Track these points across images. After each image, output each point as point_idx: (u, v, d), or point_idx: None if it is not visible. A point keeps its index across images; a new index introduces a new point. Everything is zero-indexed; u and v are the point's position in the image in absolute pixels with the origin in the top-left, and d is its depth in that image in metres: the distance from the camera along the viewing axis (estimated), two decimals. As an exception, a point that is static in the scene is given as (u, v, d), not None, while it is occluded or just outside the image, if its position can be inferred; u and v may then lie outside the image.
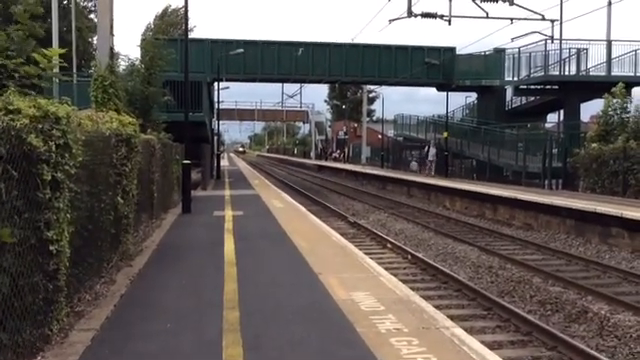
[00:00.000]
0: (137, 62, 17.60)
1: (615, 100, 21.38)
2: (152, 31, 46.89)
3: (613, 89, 21.56)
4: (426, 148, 32.68)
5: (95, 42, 35.97)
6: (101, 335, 5.37)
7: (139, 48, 18.39)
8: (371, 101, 74.86)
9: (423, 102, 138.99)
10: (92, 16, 40.47)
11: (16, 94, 5.01)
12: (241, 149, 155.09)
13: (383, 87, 43.68)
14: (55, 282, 5.06)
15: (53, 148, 4.86)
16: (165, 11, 58.27)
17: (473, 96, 37.51)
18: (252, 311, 6.09)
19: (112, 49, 14.03)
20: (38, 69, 6.01)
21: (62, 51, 6.68)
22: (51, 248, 4.91)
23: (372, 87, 55.64)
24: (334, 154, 67.33)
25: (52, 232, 4.90)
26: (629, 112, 21.21)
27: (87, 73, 25.88)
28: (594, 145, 20.60)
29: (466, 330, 5.94)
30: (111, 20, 13.99)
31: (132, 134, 8.79)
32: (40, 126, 4.75)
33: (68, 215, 5.25)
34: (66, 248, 5.18)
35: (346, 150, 63.06)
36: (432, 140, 32.62)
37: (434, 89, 36.26)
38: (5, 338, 4.22)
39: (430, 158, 31.88)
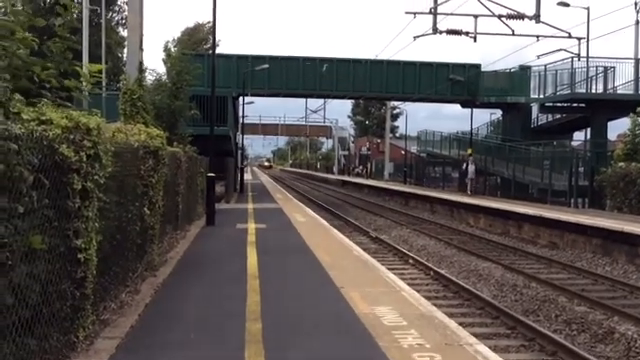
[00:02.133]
0: (164, 76, 17.90)
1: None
2: (176, 45, 47.58)
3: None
4: (464, 165, 30.95)
5: (123, 56, 36.70)
6: (126, 343, 5.43)
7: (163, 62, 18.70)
8: (395, 117, 74.94)
9: (448, 119, 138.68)
10: (120, 29, 41.35)
11: (49, 105, 5.14)
12: (267, 163, 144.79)
13: (407, 103, 43.69)
14: (82, 290, 5.14)
15: (84, 158, 4.97)
16: (192, 27, 59.19)
17: (498, 113, 37.30)
18: (274, 323, 6.11)
19: (141, 64, 14.31)
20: (78, 82, 6.17)
21: (101, 67, 6.85)
22: (79, 256, 4.99)
23: (396, 103, 55.68)
24: (357, 169, 67.30)
25: (81, 240, 4.99)
26: None
27: (115, 87, 26.37)
28: (621, 164, 20.30)
29: (490, 348, 5.88)
30: (141, 36, 14.30)
31: (159, 146, 8.93)
32: (72, 137, 4.86)
33: (96, 224, 5.35)
34: (94, 257, 5.27)
35: (369, 166, 63.02)
36: (471, 157, 30.69)
37: (459, 106, 36.15)
38: (33, 344, 4.29)
39: (470, 176, 30.13)
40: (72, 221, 4.90)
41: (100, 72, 6.76)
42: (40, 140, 4.34)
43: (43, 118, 4.67)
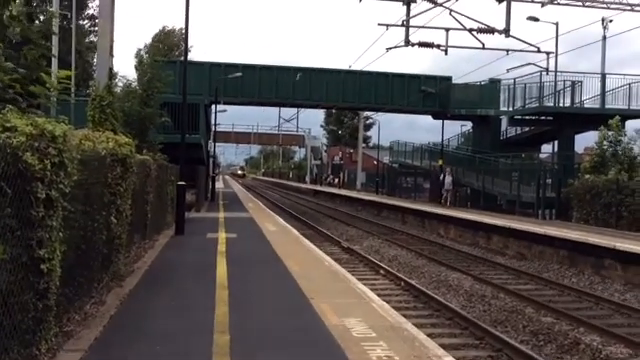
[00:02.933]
0: (134, 83, 17.68)
1: (610, 132, 21.60)
2: (147, 52, 47.10)
3: (610, 121, 21.79)
4: (441, 176, 30.16)
5: (94, 62, 36.16)
6: (89, 356, 5.32)
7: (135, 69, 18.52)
8: (367, 127, 75.21)
9: (422, 130, 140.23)
10: (91, 37, 40.79)
11: (14, 112, 5.02)
12: (240, 172, 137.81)
13: (381, 114, 43.95)
14: (45, 301, 5.01)
15: (48, 166, 4.86)
16: (162, 31, 58.56)
17: (469, 125, 37.79)
18: (243, 335, 6.04)
19: (111, 70, 14.11)
20: (44, 89, 6.05)
21: (69, 73, 6.73)
22: (42, 267, 4.87)
23: (369, 113, 56.00)
24: (329, 179, 67.34)
25: (44, 250, 4.86)
26: (622, 144, 21.42)
27: (85, 93, 25.95)
28: (587, 176, 20.73)
29: (458, 359, 5.90)
30: (111, 41, 14.09)
31: (128, 154, 8.80)
32: (36, 144, 4.75)
33: (61, 234, 5.23)
34: (57, 267, 5.14)
35: (341, 175, 63.16)
36: (448, 168, 30.03)
37: (431, 117, 36.50)
38: (-8, 357, 4.17)
39: (446, 187, 29.31)
40: (35, 231, 4.78)
41: (69, 78, 6.63)
42: (3, 147, 4.24)
43: (7, 125, 4.57)
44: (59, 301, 5.52)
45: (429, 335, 7.05)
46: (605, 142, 21.68)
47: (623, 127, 22.32)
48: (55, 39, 22.00)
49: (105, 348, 5.58)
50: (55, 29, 21.74)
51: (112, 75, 14.26)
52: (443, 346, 6.45)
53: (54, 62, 21.03)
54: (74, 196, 5.79)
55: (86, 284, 7.00)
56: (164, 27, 58.80)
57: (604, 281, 13.79)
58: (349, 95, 34.29)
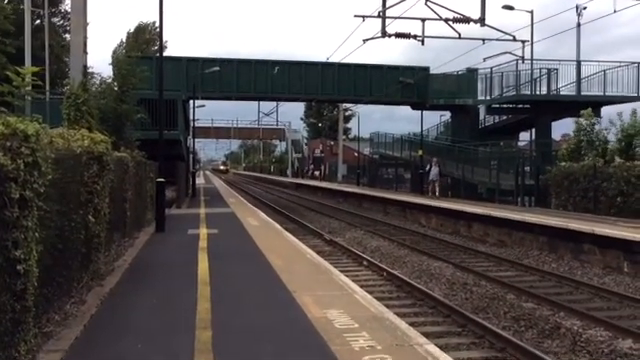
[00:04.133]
0: (110, 80, 17.47)
1: (585, 122, 21.88)
2: (124, 48, 46.59)
3: (582, 111, 22.09)
4: (427, 167, 29.56)
5: (68, 60, 35.67)
6: (70, 356, 5.26)
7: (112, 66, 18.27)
8: (347, 119, 75.24)
9: (403, 120, 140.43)
10: (66, 35, 40.21)
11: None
12: (222, 167, 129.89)
13: (362, 105, 43.98)
14: (23, 302, 4.93)
15: (21, 166, 4.78)
16: (138, 27, 58.04)
17: (447, 115, 38.01)
18: (225, 331, 6.02)
19: (85, 67, 13.94)
20: (11, 87, 5.94)
21: (36, 69, 6.61)
22: (18, 267, 4.79)
23: (348, 105, 56.06)
24: (311, 172, 67.31)
25: (20, 251, 4.78)
26: (595, 131, 21.73)
27: (60, 91, 25.59)
28: (564, 163, 20.99)
29: (441, 347, 5.95)
30: (85, 38, 13.91)
31: (104, 152, 8.69)
32: (8, 144, 4.67)
33: (37, 234, 5.15)
34: (34, 267, 5.07)
35: (322, 168, 63.22)
36: (435, 159, 29.35)
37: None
38: (-31, 360, 4.10)
39: (432, 178, 28.70)
40: (10, 231, 4.70)
41: (37, 74, 6.51)
42: (-27, 148, 4.16)
43: (-23, 125, 4.48)
44: (38, 302, 5.45)
45: (411, 324, 7.11)
46: (582, 132, 21.93)
47: (599, 113, 22.63)
48: (28, 36, 21.70)
49: (86, 348, 5.52)
50: (27, 25, 21.37)
51: (87, 72, 14.07)
52: (425, 334, 6.49)
53: (27, 60, 20.74)
54: (49, 196, 5.71)
55: (65, 284, 6.92)
56: (140, 23, 58.22)
57: (583, 266, 13.99)
58: (328, 87, 34.24)
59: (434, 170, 28.62)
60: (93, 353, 5.39)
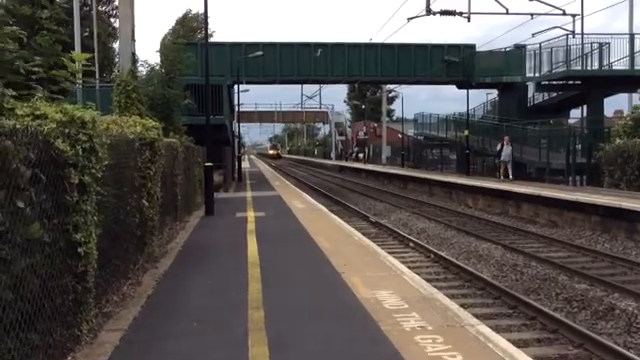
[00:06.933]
0: (157, 67, 17.80)
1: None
2: (172, 36, 47.31)
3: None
4: (498, 146, 26.59)
5: (115, 47, 36.45)
6: (129, 335, 5.46)
7: (158, 53, 18.59)
8: (391, 101, 74.61)
9: (449, 101, 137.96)
10: (112, 20, 41.04)
11: (43, 100, 5.11)
12: (272, 151, 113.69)
13: (406, 86, 43.49)
14: (84, 283, 5.15)
15: (80, 152, 4.95)
16: (185, 16, 58.75)
17: (494, 93, 37.21)
18: (276, 311, 6.13)
19: (134, 54, 14.21)
20: (67, 73, 6.12)
21: (88, 55, 6.78)
22: (79, 250, 4.99)
23: (391, 86, 55.50)
24: (354, 154, 67.06)
25: (80, 235, 4.98)
26: None
27: (109, 79, 26.21)
28: (618, 140, 20.32)
29: (491, 328, 5.90)
30: (132, 26, 14.18)
31: (155, 138, 8.90)
32: (67, 131, 4.84)
33: (95, 218, 5.34)
34: (94, 250, 5.27)
35: (366, 150, 62.97)
36: (506, 137, 26.19)
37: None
38: (37, 339, 4.30)
39: (504, 158, 25.79)
40: (71, 215, 4.89)
41: (88, 61, 6.68)
42: (35, 135, 4.32)
43: (37, 113, 4.65)
44: (97, 283, 5.67)
45: (461, 305, 7.06)
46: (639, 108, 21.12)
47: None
48: (77, 24, 22.22)
49: (144, 327, 5.72)
50: (76, 14, 21.90)
51: (135, 60, 14.36)
52: (476, 316, 6.46)
53: (77, 48, 21.26)
54: (106, 181, 5.90)
55: (122, 266, 7.16)
56: (188, 10, 58.86)
57: (637, 246, 13.58)
58: (371, 69, 33.97)
59: (507, 150, 25.65)
60: (151, 331, 5.58)
